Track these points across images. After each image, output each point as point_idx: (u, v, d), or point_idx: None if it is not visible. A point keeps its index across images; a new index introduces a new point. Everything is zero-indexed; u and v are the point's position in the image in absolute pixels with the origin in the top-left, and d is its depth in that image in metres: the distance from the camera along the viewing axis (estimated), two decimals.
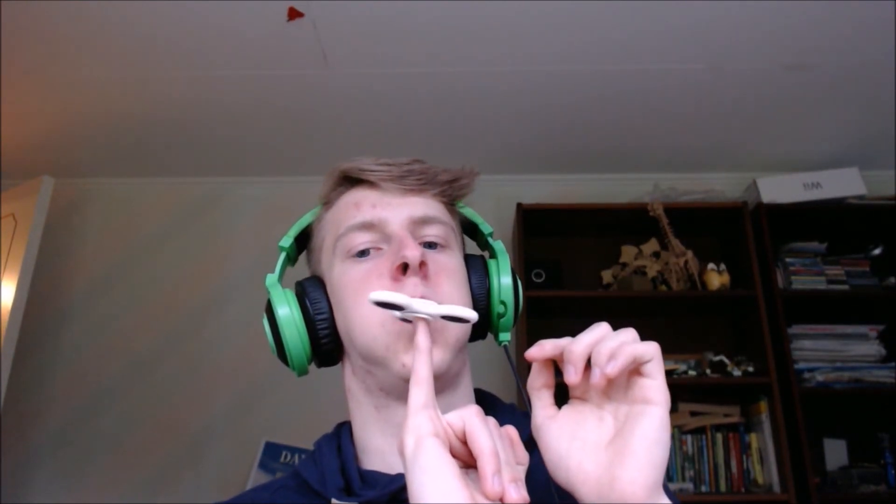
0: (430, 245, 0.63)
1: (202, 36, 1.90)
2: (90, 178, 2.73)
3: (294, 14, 1.81)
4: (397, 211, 0.63)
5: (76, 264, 2.64)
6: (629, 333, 0.47)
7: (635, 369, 0.46)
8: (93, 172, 2.70)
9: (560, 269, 2.42)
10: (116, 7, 1.78)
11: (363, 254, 0.62)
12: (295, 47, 1.94)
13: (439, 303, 0.54)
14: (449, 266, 0.63)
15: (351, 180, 0.66)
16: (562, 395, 0.49)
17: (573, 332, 0.48)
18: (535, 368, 0.51)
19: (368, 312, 0.58)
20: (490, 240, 0.71)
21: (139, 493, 2.32)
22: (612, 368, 0.44)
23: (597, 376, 0.45)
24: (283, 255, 0.69)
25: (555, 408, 0.50)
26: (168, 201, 2.72)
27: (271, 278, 0.66)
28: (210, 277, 2.60)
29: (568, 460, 0.47)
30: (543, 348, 0.49)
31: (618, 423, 0.47)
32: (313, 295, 0.64)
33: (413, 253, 0.58)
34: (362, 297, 0.58)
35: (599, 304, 2.35)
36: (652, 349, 0.46)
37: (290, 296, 0.64)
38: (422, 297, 0.55)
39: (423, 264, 0.59)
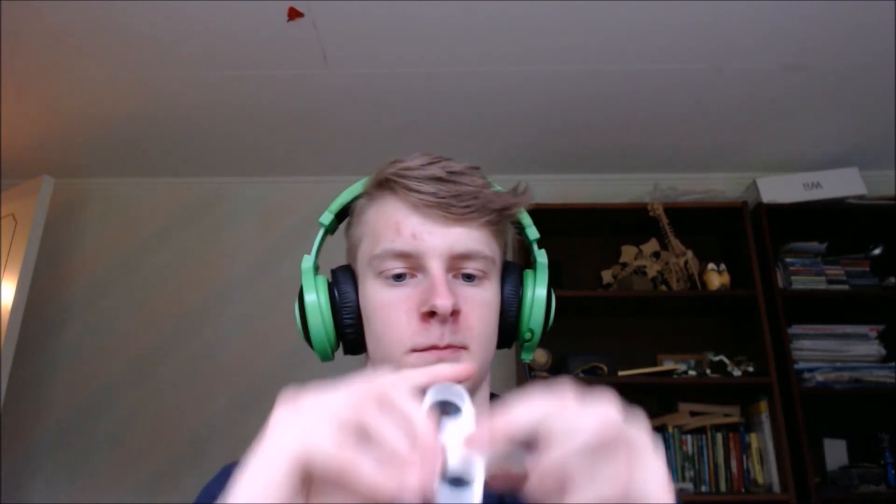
0: (468, 276, 0.61)
1: (202, 36, 1.90)
2: (90, 178, 2.73)
3: (294, 14, 1.81)
4: (438, 242, 0.60)
5: (76, 264, 2.64)
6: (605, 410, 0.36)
7: None
8: (93, 172, 2.71)
9: (560, 269, 2.41)
10: (116, 7, 1.78)
11: (399, 277, 0.61)
12: (295, 47, 1.94)
13: (463, 343, 0.58)
14: (482, 302, 0.61)
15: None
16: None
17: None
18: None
19: (398, 338, 0.60)
20: (535, 247, 0.69)
21: (139, 493, 2.32)
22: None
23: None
24: (321, 232, 0.69)
25: None
26: (168, 201, 2.72)
27: (307, 261, 0.67)
28: (210, 277, 2.60)
29: None
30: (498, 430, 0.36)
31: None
32: (344, 289, 0.64)
33: (444, 303, 0.56)
34: (392, 323, 0.60)
35: (599, 304, 2.34)
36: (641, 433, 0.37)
37: (322, 284, 0.65)
38: (448, 346, 0.58)
39: (454, 312, 0.58)
